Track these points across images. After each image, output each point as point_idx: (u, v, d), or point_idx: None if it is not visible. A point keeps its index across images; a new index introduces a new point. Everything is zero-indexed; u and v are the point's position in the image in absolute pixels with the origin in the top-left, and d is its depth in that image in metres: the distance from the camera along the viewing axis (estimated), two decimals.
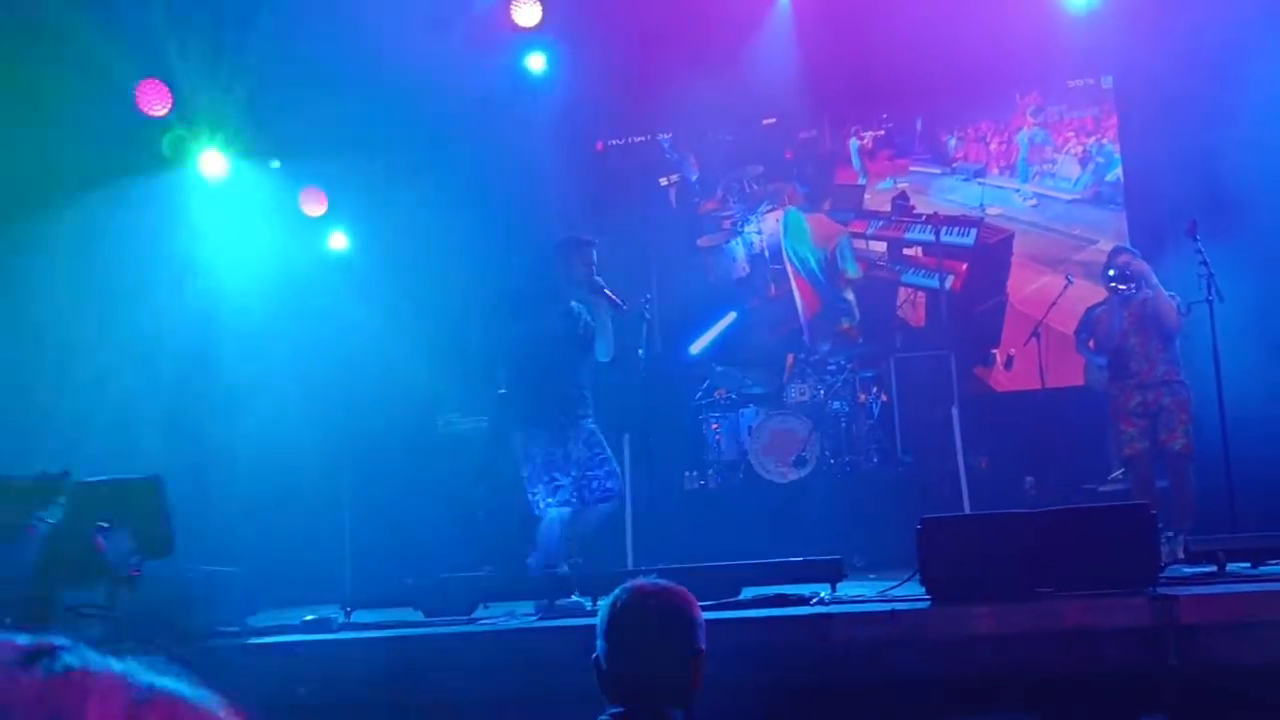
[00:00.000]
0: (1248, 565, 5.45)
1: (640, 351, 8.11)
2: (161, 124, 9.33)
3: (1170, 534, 6.59)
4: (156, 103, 9.14)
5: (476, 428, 9.75)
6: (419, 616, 6.20)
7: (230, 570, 6.58)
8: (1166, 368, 7.28)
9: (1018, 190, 10.72)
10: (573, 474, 6.70)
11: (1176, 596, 4.55)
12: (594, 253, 6.92)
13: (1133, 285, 7.14)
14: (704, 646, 2.66)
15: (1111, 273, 7.29)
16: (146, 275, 9.10)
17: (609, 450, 6.98)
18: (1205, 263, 6.99)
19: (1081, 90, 10.77)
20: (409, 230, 9.88)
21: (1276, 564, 5.46)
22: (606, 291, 6.77)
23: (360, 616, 6.28)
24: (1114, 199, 10.54)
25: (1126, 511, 5.18)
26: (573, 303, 6.88)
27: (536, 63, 10.51)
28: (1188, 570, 5.55)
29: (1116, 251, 7.74)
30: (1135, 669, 4.43)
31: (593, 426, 6.92)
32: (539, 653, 5.20)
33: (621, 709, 2.57)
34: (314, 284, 9.78)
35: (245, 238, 9.56)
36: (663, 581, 2.78)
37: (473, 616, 6.11)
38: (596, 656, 2.67)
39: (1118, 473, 9.08)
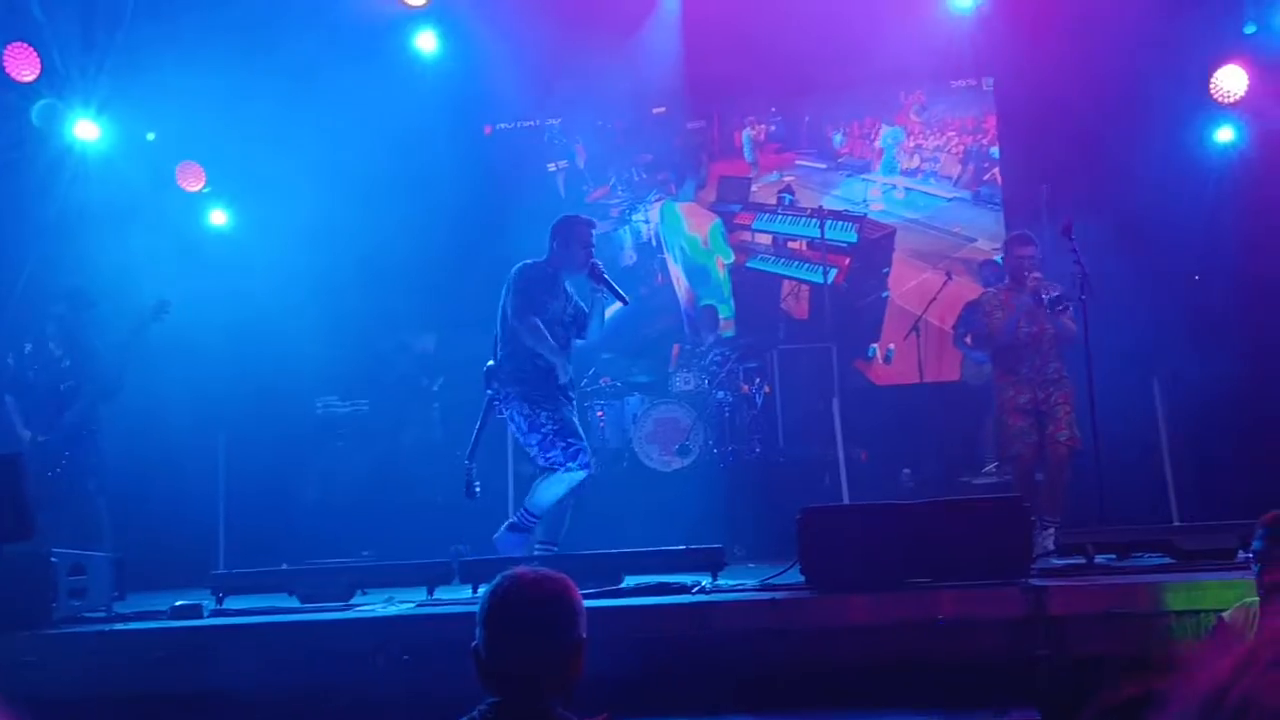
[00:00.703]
0: (1114, 558, 5.61)
1: None
2: (31, 91, 8.97)
3: (1049, 526, 6.78)
4: (25, 69, 8.77)
5: (356, 411, 9.60)
6: (294, 603, 6.06)
7: (96, 554, 6.35)
8: (1056, 364, 7.35)
9: (895, 187, 10.90)
10: (585, 440, 6.64)
11: (1047, 588, 4.67)
12: (592, 233, 6.77)
13: (1067, 306, 7.16)
14: (585, 635, 2.63)
15: (1048, 297, 7.17)
16: (20, 247, 8.77)
17: None
18: (1079, 262, 7.15)
19: (964, 91, 11.00)
20: (292, 208, 9.66)
21: (1141, 556, 5.63)
22: (605, 276, 6.64)
23: (233, 603, 6.12)
24: (992, 199, 10.78)
25: (1001, 504, 5.29)
26: (566, 285, 6.75)
27: (426, 42, 10.35)
28: (1058, 562, 5.70)
29: (1024, 240, 7.56)
30: (1007, 658, 4.53)
31: None
32: (418, 640, 5.13)
33: (500, 699, 2.53)
34: (192, 260, 9.52)
35: (120, 211, 9.23)
36: (544, 569, 2.73)
37: (350, 603, 6.00)
38: (475, 646, 2.62)
39: (991, 466, 9.32)
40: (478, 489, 6.74)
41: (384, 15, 10.08)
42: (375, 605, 5.85)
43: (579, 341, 6.89)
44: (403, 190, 10.04)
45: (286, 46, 9.53)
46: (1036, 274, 7.27)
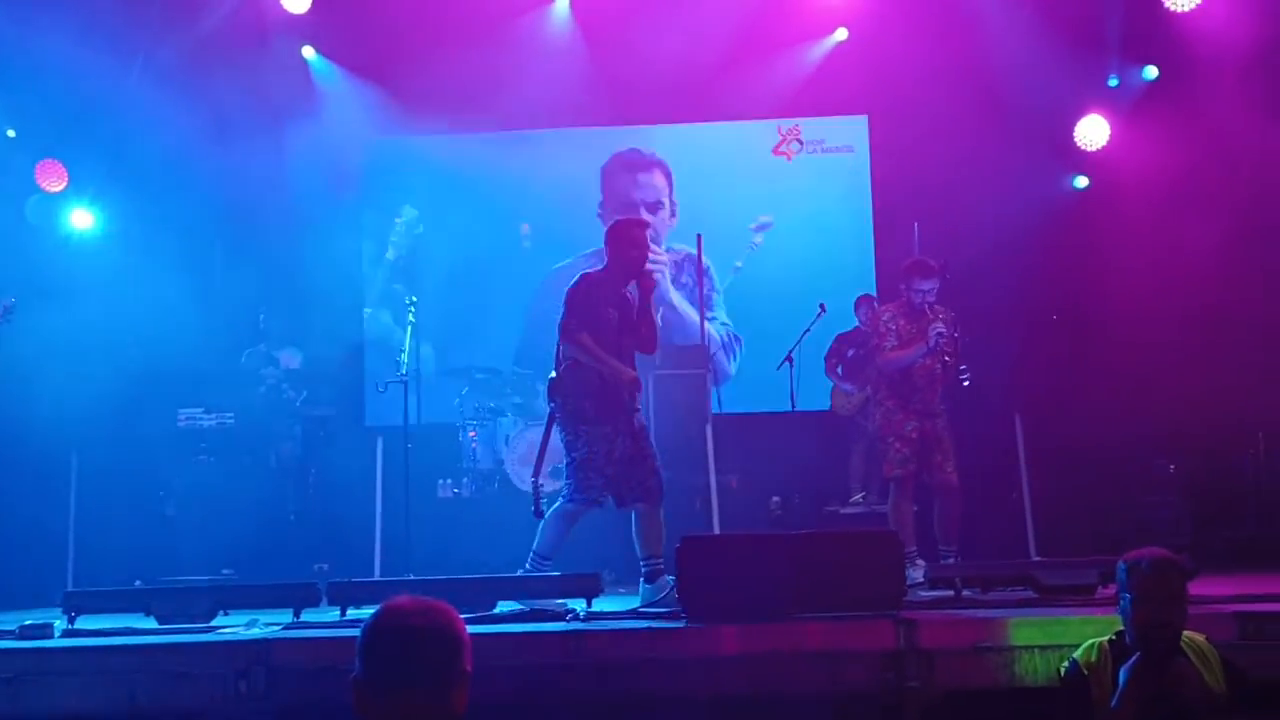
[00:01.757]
0: (978, 591, 5.76)
1: (402, 356, 7.97)
2: None
3: (949, 556, 6.89)
4: None
5: (221, 424, 9.34)
6: (152, 623, 5.85)
7: None
8: (941, 396, 7.31)
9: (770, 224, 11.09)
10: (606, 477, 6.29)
11: (917, 621, 4.77)
12: (644, 233, 6.48)
13: (960, 364, 7.07)
14: (470, 668, 2.58)
15: (934, 344, 7.00)
16: None
17: None
18: (953, 309, 7.28)
19: (840, 126, 11.23)
20: (162, 214, 9.37)
21: (1004, 590, 5.78)
22: (656, 277, 6.41)
23: (86, 622, 5.87)
24: (865, 233, 11.02)
25: (876, 538, 5.40)
26: (630, 291, 6.42)
27: (308, 51, 10.23)
28: (925, 595, 5.83)
29: (924, 271, 7.25)
30: (878, 690, 4.60)
31: None
32: (284, 664, 4.99)
33: None
34: (53, 264, 9.18)
35: None
36: (427, 599, 2.66)
37: (212, 624, 5.81)
38: (355, 677, 2.54)
39: (859, 496, 9.50)
40: (546, 508, 6.48)
41: (261, 19, 9.91)
42: (238, 627, 5.68)
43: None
44: (276, 203, 9.84)
45: (159, 45, 9.30)
46: (938, 310, 7.21)
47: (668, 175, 11.38)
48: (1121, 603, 3.79)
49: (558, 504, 6.38)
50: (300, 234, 10.19)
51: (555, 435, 6.45)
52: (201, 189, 9.37)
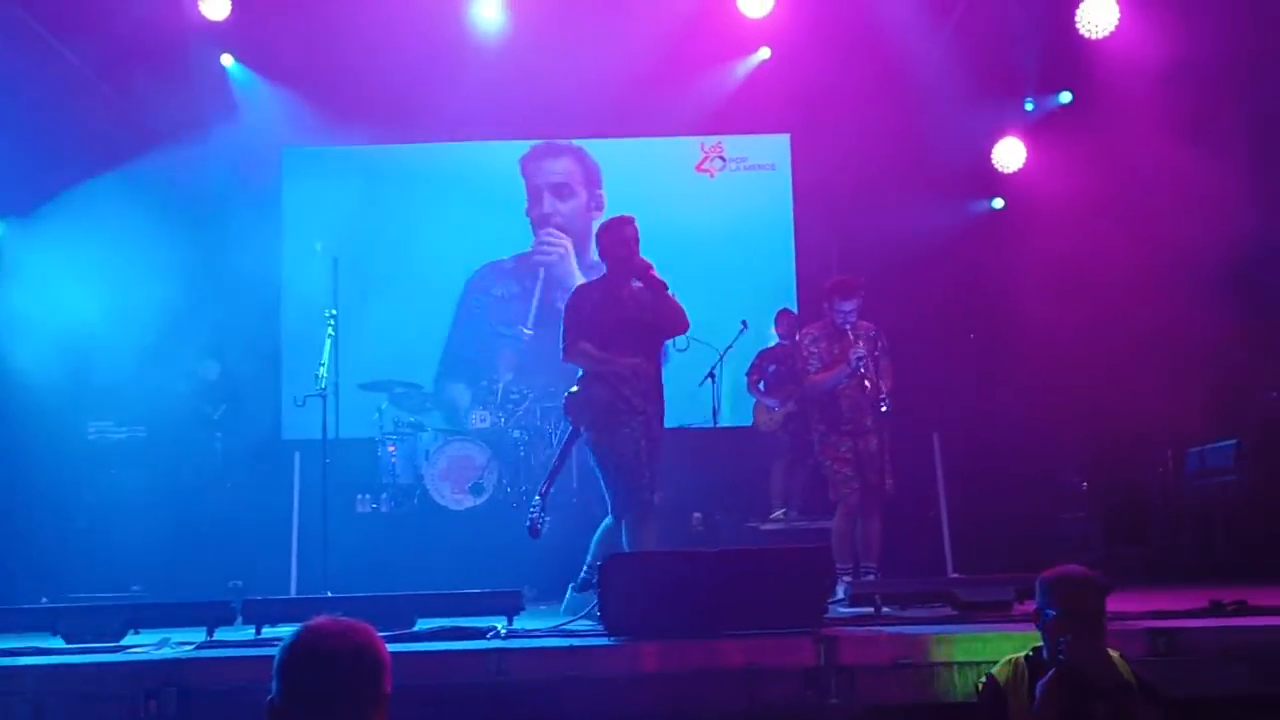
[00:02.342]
0: (897, 608, 5.81)
1: (320, 370, 7.86)
2: None
3: (869, 573, 6.93)
4: None
5: (132, 437, 9.15)
6: (59, 643, 5.68)
7: None
8: (873, 413, 7.23)
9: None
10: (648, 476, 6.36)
11: (838, 637, 4.79)
12: (629, 230, 6.37)
13: (879, 390, 7.08)
14: (390, 690, 2.54)
15: (854, 367, 7.02)
16: None
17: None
18: (874, 329, 7.35)
19: (762, 144, 11.32)
20: (73, 222, 9.15)
21: (923, 607, 5.84)
22: (653, 272, 6.27)
23: None
24: (787, 249, 11.11)
25: (804, 555, 5.41)
26: (633, 285, 6.37)
27: (227, 59, 10.09)
28: (844, 611, 5.86)
29: (846, 291, 7.25)
30: (801, 707, 4.61)
31: None
32: (197, 685, 4.87)
33: None
34: None
35: None
36: (346, 619, 2.62)
37: (121, 644, 5.66)
38: (272, 699, 2.49)
39: (779, 512, 9.54)
40: (543, 527, 6.42)
41: (181, 25, 9.74)
42: (149, 646, 5.54)
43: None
44: (194, 211, 9.68)
45: (79, 49, 9.11)
46: (861, 328, 7.24)
47: (582, 162, 11.37)
48: (1042, 619, 3.84)
49: (608, 521, 6.36)
50: (219, 242, 10.03)
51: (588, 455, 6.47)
52: (117, 195, 9.16)
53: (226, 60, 10.19)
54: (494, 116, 10.56)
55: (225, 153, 9.98)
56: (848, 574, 6.84)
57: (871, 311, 7.49)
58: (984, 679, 4.05)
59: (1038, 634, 3.90)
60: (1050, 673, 3.73)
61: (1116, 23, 8.92)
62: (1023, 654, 3.98)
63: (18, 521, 8.42)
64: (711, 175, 11.31)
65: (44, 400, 8.90)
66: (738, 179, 11.32)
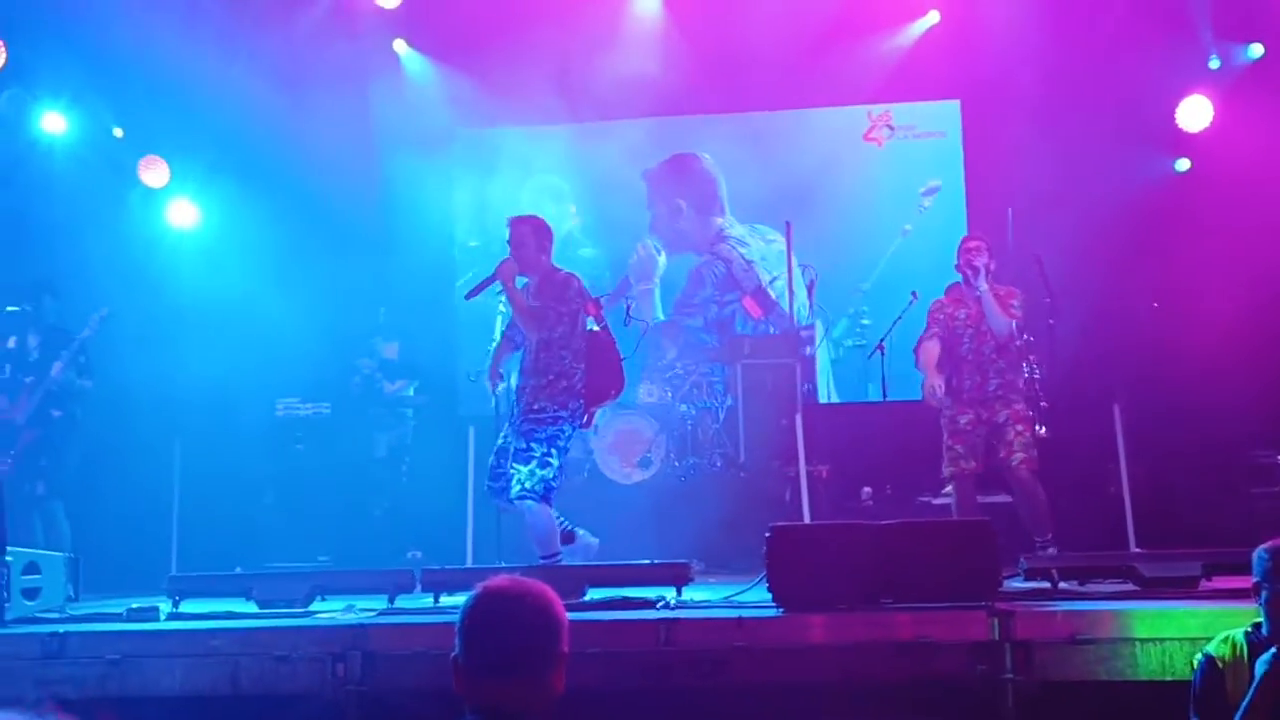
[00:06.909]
0: (1075, 583, 5.65)
1: (491, 346, 8.02)
2: None
3: (1046, 546, 6.78)
4: None
5: (318, 414, 9.52)
6: (252, 607, 5.98)
7: (51, 554, 6.24)
8: (999, 380, 7.11)
9: None
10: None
11: (1013, 611, 4.69)
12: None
13: (973, 273, 7.01)
14: (567, 649, 2.59)
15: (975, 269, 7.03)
16: None
17: None
18: (1050, 298, 7.15)
19: (931, 111, 11.08)
20: (261, 207, 9.54)
21: (1101, 582, 5.67)
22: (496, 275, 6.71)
23: (189, 606, 6.03)
24: (958, 220, 10.85)
25: (968, 527, 5.32)
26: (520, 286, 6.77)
27: (401, 47, 10.42)
28: (1020, 585, 5.73)
29: (968, 238, 7.37)
30: (973, 681, 4.54)
31: None
32: (380, 649, 5.07)
33: (478, 712, 2.48)
34: (153, 258, 9.42)
35: (84, 206, 9.11)
36: (527, 580, 2.67)
37: (309, 609, 5.92)
38: (455, 656, 2.56)
39: (949, 487, 9.35)
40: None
41: (353, 13, 10.06)
42: (335, 612, 5.78)
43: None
44: (369, 195, 9.99)
45: (254, 45, 9.47)
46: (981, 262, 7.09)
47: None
48: (1263, 594, 3.66)
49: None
50: (393, 225, 10.34)
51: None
52: (296, 181, 9.51)
53: (399, 47, 10.47)
54: (657, 92, 10.56)
55: (397, 134, 10.25)
56: None
57: (1049, 281, 7.29)
58: (1200, 656, 3.86)
59: (1225, 611, 3.75)
60: (1272, 650, 3.55)
61: None
62: (1242, 630, 3.79)
63: (213, 495, 8.83)
64: (879, 144, 11.11)
65: (233, 379, 9.31)
66: (906, 147, 11.10)
